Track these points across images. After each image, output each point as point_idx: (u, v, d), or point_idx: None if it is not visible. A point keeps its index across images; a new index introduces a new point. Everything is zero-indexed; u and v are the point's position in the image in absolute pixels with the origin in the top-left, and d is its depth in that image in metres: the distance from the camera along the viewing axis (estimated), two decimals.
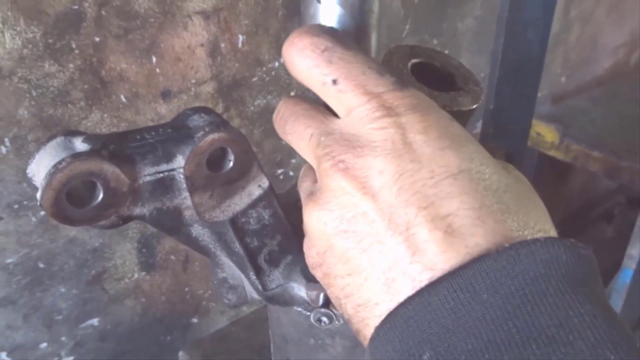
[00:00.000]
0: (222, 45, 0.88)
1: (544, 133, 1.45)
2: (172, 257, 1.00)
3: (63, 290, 0.89)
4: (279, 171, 1.07)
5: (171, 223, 0.33)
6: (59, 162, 0.27)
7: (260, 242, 0.37)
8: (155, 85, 0.84)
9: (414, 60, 0.40)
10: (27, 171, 0.30)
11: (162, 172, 0.31)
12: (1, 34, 0.69)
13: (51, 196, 0.27)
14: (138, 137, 0.31)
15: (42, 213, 0.82)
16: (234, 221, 0.35)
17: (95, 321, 0.95)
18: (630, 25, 1.66)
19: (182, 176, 0.32)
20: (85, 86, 0.78)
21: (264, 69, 0.95)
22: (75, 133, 0.30)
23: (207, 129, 0.31)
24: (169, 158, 0.31)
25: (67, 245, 0.86)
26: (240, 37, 0.90)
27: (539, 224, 0.27)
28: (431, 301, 0.24)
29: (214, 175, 0.33)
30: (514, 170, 0.29)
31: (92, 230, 0.87)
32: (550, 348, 0.22)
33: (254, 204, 0.35)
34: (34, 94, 0.74)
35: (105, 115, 0.81)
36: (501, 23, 0.72)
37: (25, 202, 0.79)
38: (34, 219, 0.81)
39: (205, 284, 1.07)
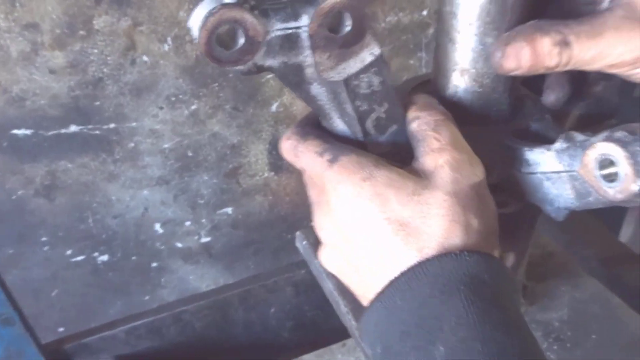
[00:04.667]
0: None
1: None
2: None
3: (206, 178, 1.03)
4: None
5: (295, 78, 0.40)
6: (212, 9, 0.34)
7: (369, 107, 0.42)
8: None
9: None
10: (188, 24, 0.38)
11: (291, 28, 0.37)
12: None
13: (205, 35, 0.35)
14: None
15: (193, 107, 0.94)
16: (347, 82, 0.40)
17: (229, 210, 1.09)
18: None
19: (306, 34, 0.37)
20: None
21: None
22: None
23: None
24: (297, 16, 0.37)
25: (211, 139, 0.99)
26: None
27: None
28: (378, 307, 0.38)
29: (333, 37, 0.38)
30: (420, 193, 0.39)
31: (232, 127, 0.99)
32: (431, 334, 0.34)
33: (365, 69, 0.40)
34: None
35: None
36: None
37: (180, 96, 0.93)
38: (186, 111, 0.94)
39: None
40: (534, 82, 0.55)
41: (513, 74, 0.42)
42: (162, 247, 1.08)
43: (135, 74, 0.87)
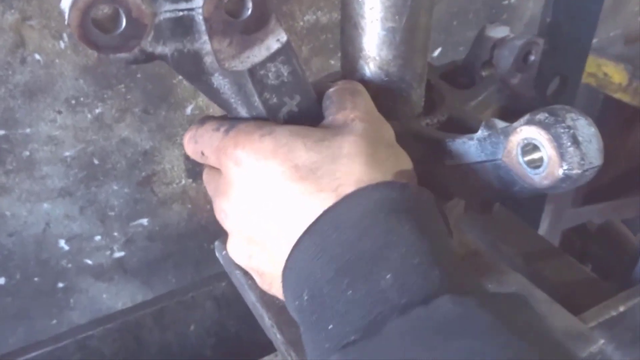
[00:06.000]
0: None
1: (612, 73, 1.36)
2: None
3: (116, 188, 0.95)
4: None
5: (192, 68, 0.35)
6: None
7: (279, 100, 0.38)
8: None
9: None
10: (60, 5, 0.32)
11: (182, 10, 0.32)
12: None
13: (77, 16, 0.29)
14: None
15: (97, 110, 0.86)
16: (252, 72, 0.36)
17: (145, 221, 1.01)
18: None
19: (201, 17, 0.33)
20: None
21: None
22: None
23: None
24: None
25: (119, 145, 0.91)
26: None
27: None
28: (307, 246, 0.32)
29: (232, 21, 0.34)
30: (329, 139, 0.35)
31: (143, 132, 0.92)
32: (375, 264, 0.30)
33: (272, 58, 0.36)
34: None
35: None
36: None
37: (82, 99, 0.84)
38: (89, 115, 0.86)
39: None
40: (457, 78, 0.53)
41: None
42: (69, 265, 0.98)
43: (27, 74, 0.78)
